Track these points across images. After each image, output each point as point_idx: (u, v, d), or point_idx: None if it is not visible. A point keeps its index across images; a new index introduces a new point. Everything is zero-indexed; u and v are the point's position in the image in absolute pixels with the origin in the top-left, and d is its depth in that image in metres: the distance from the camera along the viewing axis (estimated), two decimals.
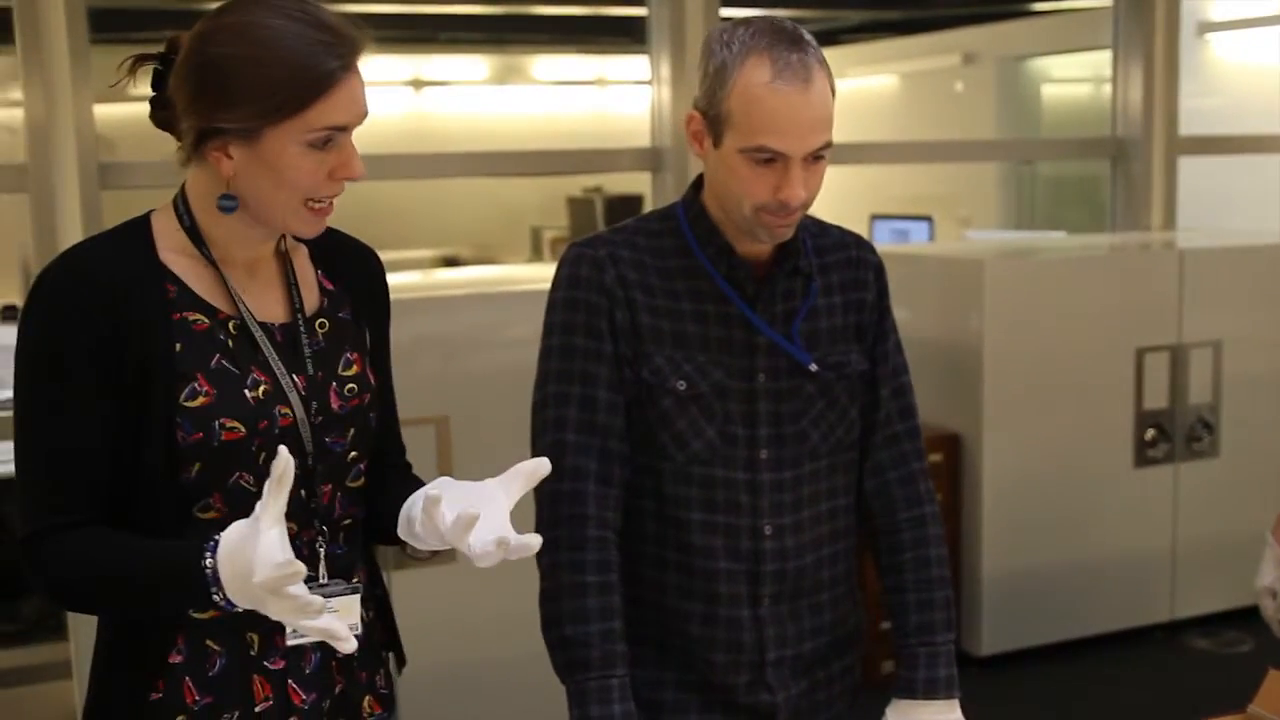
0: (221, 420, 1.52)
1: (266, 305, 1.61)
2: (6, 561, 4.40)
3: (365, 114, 1.53)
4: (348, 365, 1.65)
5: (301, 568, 1.35)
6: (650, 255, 1.84)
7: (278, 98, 1.46)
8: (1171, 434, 4.41)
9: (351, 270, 1.72)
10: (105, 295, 1.49)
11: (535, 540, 1.50)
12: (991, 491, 4.19)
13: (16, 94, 3.69)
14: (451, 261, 8.07)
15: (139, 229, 1.58)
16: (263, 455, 1.54)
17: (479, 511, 1.46)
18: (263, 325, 1.59)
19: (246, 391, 1.54)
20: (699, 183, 1.87)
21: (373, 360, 1.71)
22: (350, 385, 1.64)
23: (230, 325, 1.57)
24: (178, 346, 1.52)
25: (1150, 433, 4.37)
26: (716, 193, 1.81)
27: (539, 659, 1.84)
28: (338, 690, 1.65)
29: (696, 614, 1.86)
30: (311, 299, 1.66)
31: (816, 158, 1.74)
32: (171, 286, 1.54)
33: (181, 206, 1.59)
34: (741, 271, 1.83)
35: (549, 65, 9.65)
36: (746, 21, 1.75)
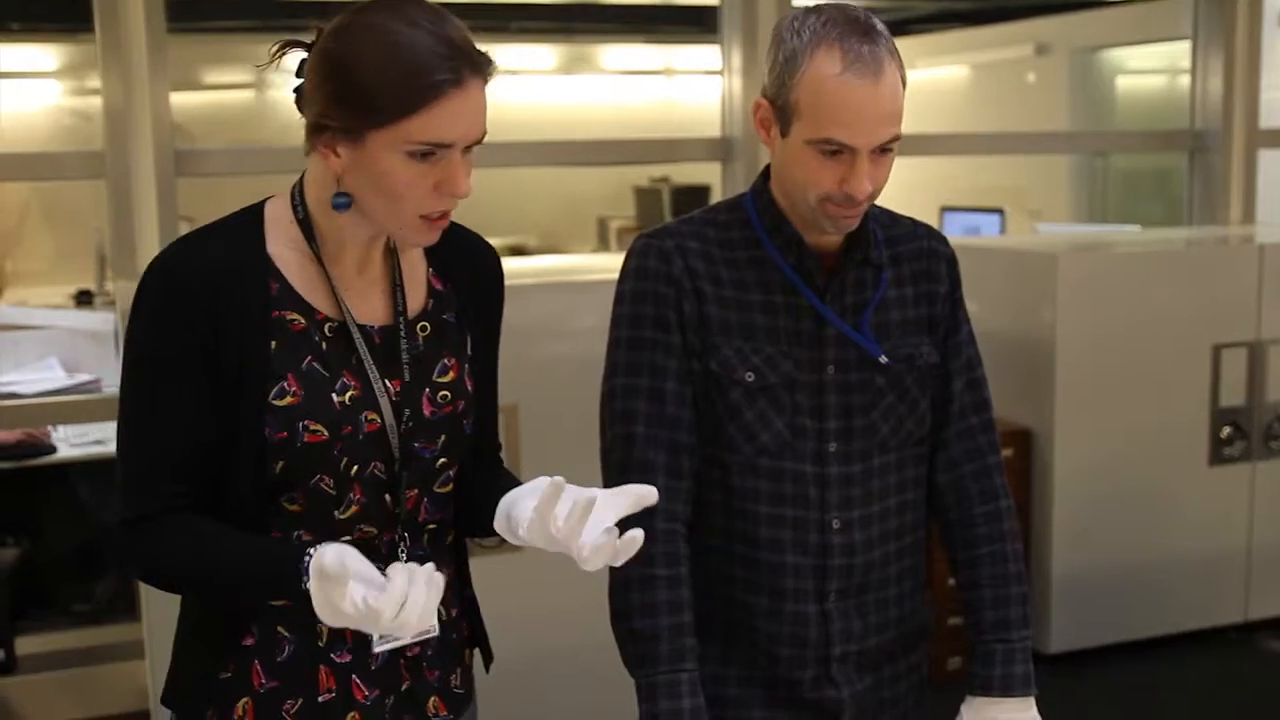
0: (305, 422, 1.52)
1: (369, 304, 1.61)
2: (81, 543, 4.49)
3: (477, 135, 1.50)
4: (444, 371, 1.64)
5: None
6: (718, 246, 1.83)
7: (380, 101, 1.45)
8: (1248, 432, 4.32)
9: (465, 268, 1.71)
10: (207, 292, 1.50)
11: (639, 535, 1.49)
12: (1062, 487, 4.13)
13: (95, 81, 3.74)
14: (518, 251, 8.09)
15: (252, 219, 1.59)
16: (344, 460, 1.56)
17: (595, 496, 1.48)
18: (362, 328, 1.59)
19: (334, 395, 1.55)
20: (767, 172, 1.85)
21: (480, 357, 1.70)
22: (444, 392, 1.63)
23: (326, 327, 1.57)
24: (273, 344, 1.53)
25: (1226, 430, 4.29)
26: (782, 182, 1.80)
27: (608, 650, 1.84)
28: (404, 688, 1.65)
29: (762, 608, 1.84)
30: (417, 299, 1.65)
31: (884, 150, 1.72)
32: (274, 284, 1.55)
33: (298, 197, 1.59)
34: (811, 262, 1.81)
35: (617, 55, 9.64)
36: (818, 9, 1.72)
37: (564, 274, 4.06)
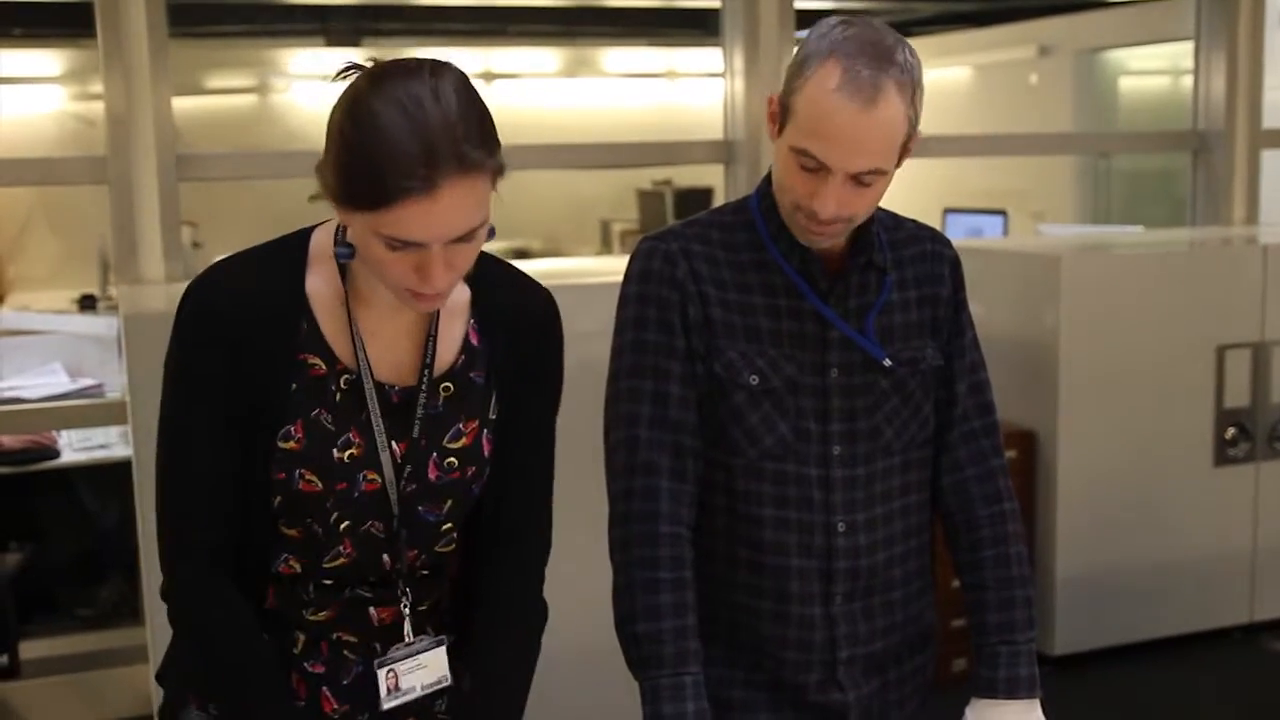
0: (302, 470, 1.51)
1: (395, 358, 1.56)
2: (84, 548, 4.48)
3: (454, 235, 1.40)
4: (456, 436, 1.59)
5: None
6: (723, 249, 1.83)
7: (349, 188, 1.39)
8: (1253, 433, 4.32)
9: (507, 325, 1.63)
10: (237, 326, 1.49)
11: None
12: (1067, 489, 4.13)
13: (97, 87, 3.75)
14: (521, 254, 8.10)
15: (294, 249, 1.55)
16: (335, 514, 1.54)
17: None
18: (381, 385, 1.55)
19: (335, 451, 1.53)
20: (771, 174, 1.85)
21: (513, 419, 1.63)
22: (451, 459, 1.59)
23: (343, 379, 1.53)
24: (293, 386, 1.51)
25: (1231, 431, 4.29)
26: (775, 178, 1.80)
27: (613, 652, 1.83)
28: (382, 709, 1.62)
29: (767, 612, 1.84)
30: (448, 353, 1.59)
31: (864, 182, 1.69)
32: (305, 324, 1.52)
33: (340, 233, 1.53)
34: (814, 265, 1.81)
35: (619, 58, 9.64)
36: (848, 22, 1.69)
37: (566, 277, 4.05)
